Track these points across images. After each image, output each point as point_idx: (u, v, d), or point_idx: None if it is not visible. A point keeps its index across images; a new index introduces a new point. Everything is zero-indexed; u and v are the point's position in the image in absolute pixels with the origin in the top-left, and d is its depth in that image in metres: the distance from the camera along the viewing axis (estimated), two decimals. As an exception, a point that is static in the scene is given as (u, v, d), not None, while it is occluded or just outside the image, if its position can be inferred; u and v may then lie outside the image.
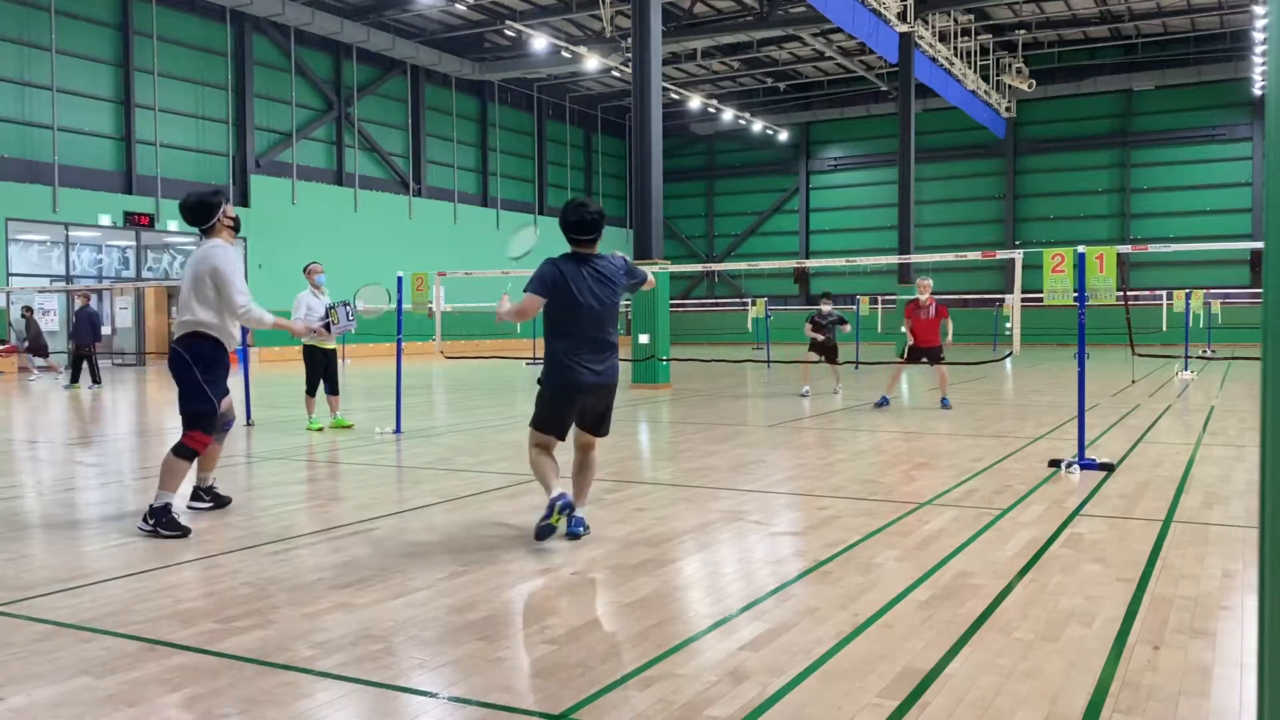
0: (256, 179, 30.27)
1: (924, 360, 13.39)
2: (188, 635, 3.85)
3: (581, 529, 5.53)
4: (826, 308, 15.00)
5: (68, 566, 4.97)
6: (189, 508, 6.31)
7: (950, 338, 13.34)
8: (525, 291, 5.44)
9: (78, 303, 19.60)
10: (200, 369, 5.79)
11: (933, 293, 13.53)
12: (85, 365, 19.00)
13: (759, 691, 3.24)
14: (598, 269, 5.49)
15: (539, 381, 5.57)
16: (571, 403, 5.49)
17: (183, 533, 5.63)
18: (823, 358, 15.02)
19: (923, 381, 18.23)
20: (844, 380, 16.22)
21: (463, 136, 38.63)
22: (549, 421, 5.54)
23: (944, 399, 13.38)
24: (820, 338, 14.84)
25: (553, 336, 5.49)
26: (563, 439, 5.60)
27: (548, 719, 3.07)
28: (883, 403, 13.42)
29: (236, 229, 6.08)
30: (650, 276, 5.89)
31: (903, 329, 13.60)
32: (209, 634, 3.86)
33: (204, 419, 5.84)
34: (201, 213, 5.92)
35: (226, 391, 6.11)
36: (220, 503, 6.45)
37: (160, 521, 5.63)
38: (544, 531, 5.36)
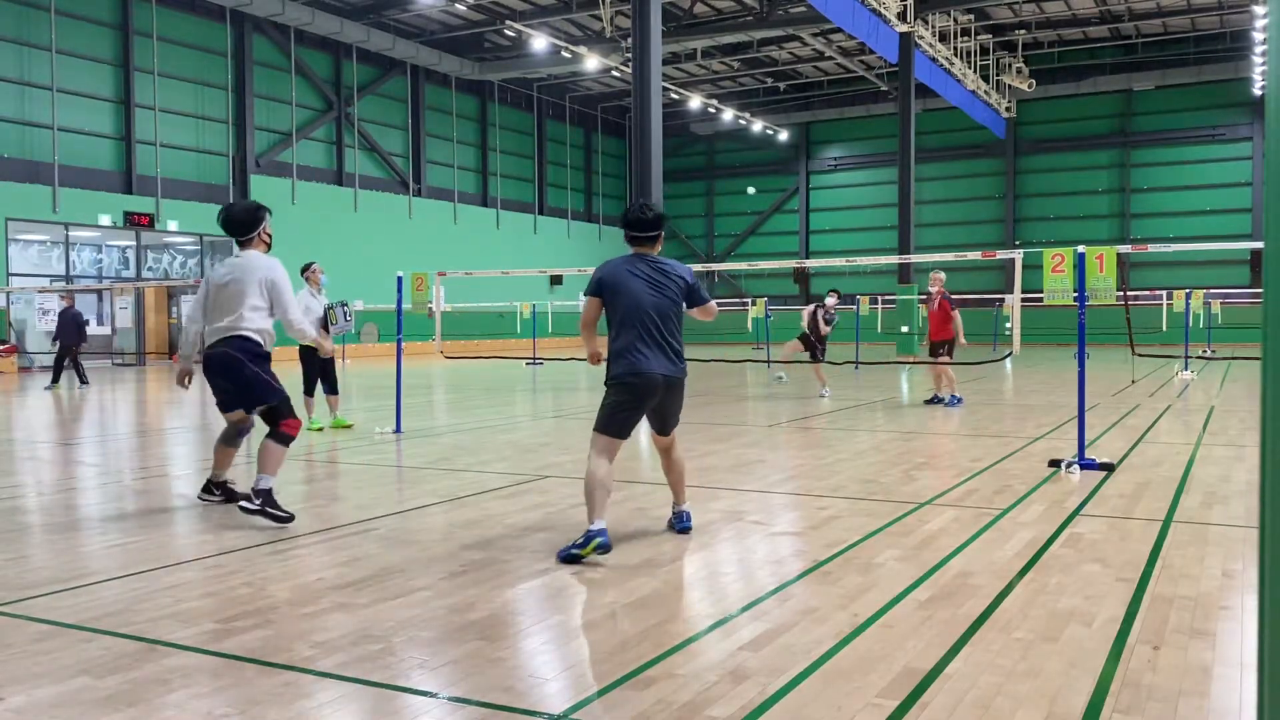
0: (256, 179, 30.27)
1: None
2: (188, 635, 3.85)
3: (689, 525, 5.65)
4: (832, 300, 14.80)
5: (68, 566, 4.97)
6: (200, 498, 6.63)
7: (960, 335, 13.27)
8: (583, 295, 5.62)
9: (62, 304, 19.79)
10: (256, 365, 6.10)
11: (945, 288, 13.53)
12: (70, 365, 18.95)
13: (759, 691, 3.24)
14: (655, 266, 5.45)
15: (605, 384, 5.42)
16: (632, 399, 5.32)
17: (288, 517, 5.89)
18: (810, 355, 14.78)
19: (924, 381, 18.23)
20: (831, 383, 16.05)
21: (463, 136, 38.64)
22: (610, 422, 5.32)
23: (936, 395, 13.58)
24: (812, 336, 14.64)
25: (612, 333, 5.46)
26: (624, 438, 5.35)
27: (548, 719, 3.07)
28: (952, 401, 13.38)
29: (270, 246, 6.36)
30: (711, 304, 5.67)
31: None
32: (209, 634, 3.86)
33: (287, 404, 6.18)
34: (245, 225, 6.21)
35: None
36: (231, 497, 6.55)
37: (267, 502, 5.89)
38: (567, 557, 4.98)
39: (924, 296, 13.77)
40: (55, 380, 18.67)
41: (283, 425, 6.13)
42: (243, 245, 6.25)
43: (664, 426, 5.58)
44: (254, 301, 6.05)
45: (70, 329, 18.86)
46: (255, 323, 6.07)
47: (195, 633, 3.88)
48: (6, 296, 24.65)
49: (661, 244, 5.60)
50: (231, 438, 6.48)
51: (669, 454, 5.68)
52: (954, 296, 13.80)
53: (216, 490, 6.62)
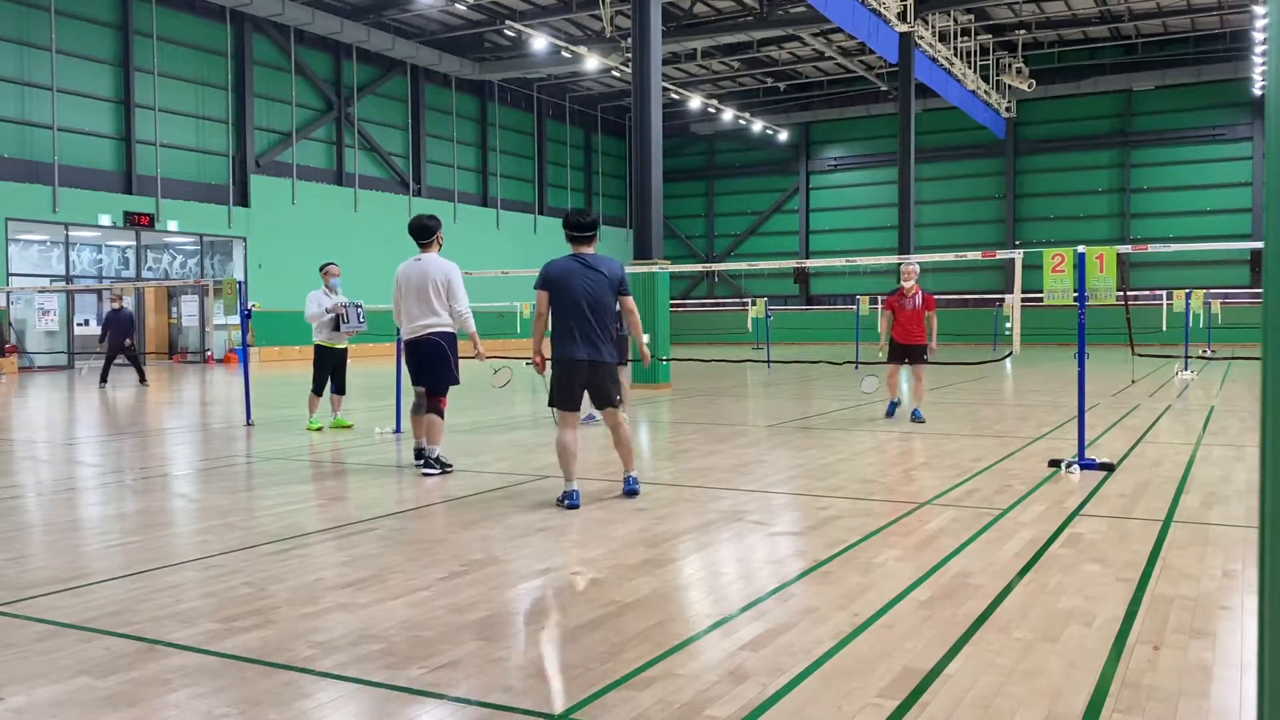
0: (256, 179, 30.27)
1: (906, 360, 11.53)
2: (188, 635, 3.85)
3: (636, 488, 6.63)
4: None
5: (68, 566, 4.97)
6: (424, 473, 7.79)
7: (935, 337, 11.49)
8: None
9: (112, 304, 19.71)
10: (453, 354, 7.91)
11: (918, 283, 11.53)
12: (121, 364, 19.58)
13: (759, 691, 3.24)
14: (591, 263, 6.45)
15: (551, 363, 6.52)
16: (565, 376, 6.45)
17: (451, 468, 7.89)
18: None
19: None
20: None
21: (463, 136, 38.63)
22: (559, 398, 6.49)
23: (916, 410, 11.47)
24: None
25: (554, 321, 6.50)
26: (573, 410, 6.49)
27: (548, 719, 3.07)
28: (891, 410, 11.70)
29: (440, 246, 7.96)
30: (633, 308, 6.74)
31: (879, 327, 11.68)
32: (209, 634, 3.87)
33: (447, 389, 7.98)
34: (425, 233, 7.86)
35: None
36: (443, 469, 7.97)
37: (442, 464, 7.76)
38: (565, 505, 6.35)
39: (897, 292, 11.46)
40: (103, 379, 19.18)
41: (440, 401, 7.88)
42: (423, 249, 7.90)
43: (600, 402, 6.52)
44: (441, 298, 7.85)
45: (122, 329, 19.07)
46: (446, 317, 7.90)
47: (195, 633, 3.88)
48: (7, 296, 24.64)
49: (596, 243, 6.60)
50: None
51: (614, 428, 6.63)
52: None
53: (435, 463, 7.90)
